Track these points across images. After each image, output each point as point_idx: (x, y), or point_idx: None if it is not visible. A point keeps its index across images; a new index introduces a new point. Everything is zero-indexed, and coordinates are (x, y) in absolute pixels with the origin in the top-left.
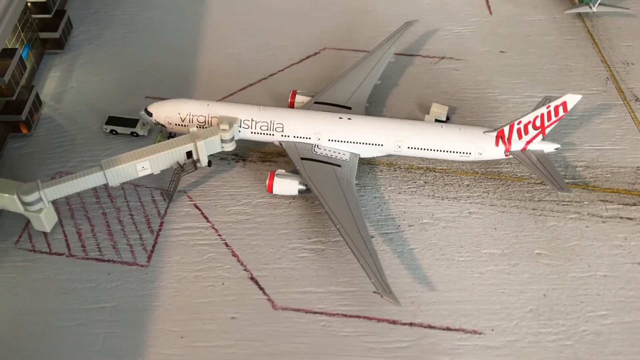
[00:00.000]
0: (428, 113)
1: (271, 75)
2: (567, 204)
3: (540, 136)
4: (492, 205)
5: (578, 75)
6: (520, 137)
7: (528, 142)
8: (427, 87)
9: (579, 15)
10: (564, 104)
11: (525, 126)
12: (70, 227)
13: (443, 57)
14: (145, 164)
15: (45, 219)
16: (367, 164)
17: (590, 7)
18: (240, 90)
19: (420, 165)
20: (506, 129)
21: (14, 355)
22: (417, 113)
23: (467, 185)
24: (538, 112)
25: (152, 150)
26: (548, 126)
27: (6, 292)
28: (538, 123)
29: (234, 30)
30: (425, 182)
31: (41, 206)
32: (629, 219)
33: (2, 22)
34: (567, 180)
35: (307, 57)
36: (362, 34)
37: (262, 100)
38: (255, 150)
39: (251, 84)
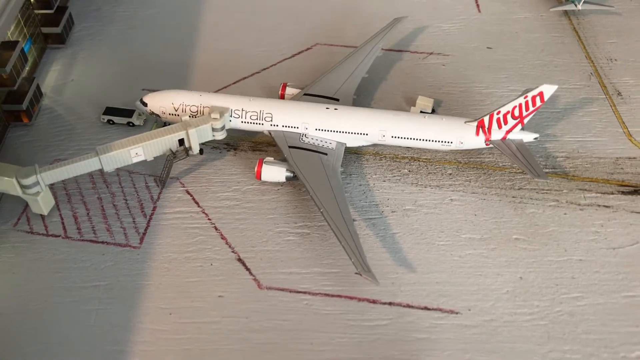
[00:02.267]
0: (414, 105)
1: (264, 69)
2: (546, 192)
3: (520, 126)
4: (474, 193)
5: (562, 70)
6: (500, 126)
7: (508, 132)
8: (415, 81)
9: (565, 13)
10: (541, 94)
11: (505, 116)
12: (66, 210)
13: (431, 53)
14: (138, 150)
15: (43, 202)
16: (353, 154)
17: (576, 5)
18: (233, 83)
19: (405, 155)
20: (486, 119)
21: (14, 328)
22: (404, 105)
23: (450, 174)
24: (516, 102)
25: (145, 138)
26: (526, 116)
27: (5, 271)
28: (517, 113)
29: (229, 27)
30: (409, 171)
31: (39, 189)
32: (606, 206)
33: (3, 15)
34: (547, 170)
35: (299, 53)
36: (353, 31)
37: (254, 92)
38: (247, 139)
39: (244, 77)
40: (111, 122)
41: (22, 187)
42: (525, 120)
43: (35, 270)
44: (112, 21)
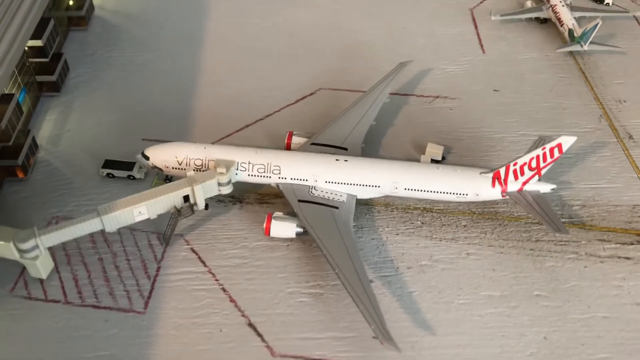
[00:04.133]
0: (424, 153)
1: (268, 115)
2: (565, 244)
3: (537, 177)
4: (490, 246)
5: (572, 113)
6: (516, 178)
7: (524, 183)
8: (423, 127)
9: (571, 53)
10: (559, 146)
11: (522, 167)
12: (66, 273)
13: (437, 97)
14: (142, 209)
15: (42, 266)
16: (364, 205)
17: (582, 46)
18: (237, 131)
19: (417, 206)
20: (502, 170)
21: None
22: (413, 153)
23: (465, 226)
24: (534, 154)
25: (149, 195)
26: (544, 167)
27: (1, 341)
28: (534, 164)
29: (230, 71)
30: (422, 223)
31: (37, 253)
32: (627, 258)
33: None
34: (563, 220)
35: (303, 98)
36: (357, 74)
37: (259, 141)
38: (253, 191)
39: (248, 125)
40: (111, 175)
41: (20, 251)
42: (543, 172)
43: (33, 340)
44: (107, 66)
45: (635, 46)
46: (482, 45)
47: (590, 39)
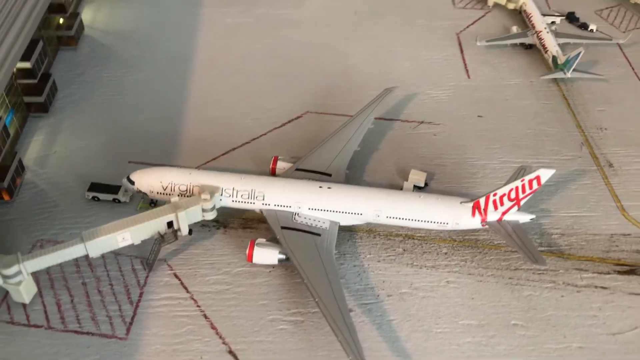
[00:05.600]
0: (407, 179)
1: (254, 139)
2: (542, 273)
3: (516, 207)
4: (470, 274)
5: (554, 140)
6: (496, 208)
7: (504, 213)
8: (406, 152)
9: (554, 79)
10: (538, 178)
11: (501, 198)
12: (49, 297)
13: (422, 122)
14: (126, 235)
15: (25, 291)
16: (347, 231)
17: (565, 73)
18: (223, 154)
19: (399, 232)
20: (482, 200)
21: None
22: (397, 178)
23: (445, 254)
24: (513, 185)
25: (133, 222)
26: (523, 198)
27: None
28: (513, 195)
29: (218, 93)
30: (404, 250)
31: (21, 279)
32: (604, 287)
33: None
34: (542, 248)
35: (290, 121)
36: (343, 98)
37: (244, 163)
38: (237, 216)
39: (234, 148)
40: (96, 198)
41: (3, 276)
42: (522, 202)
43: None
44: (96, 87)
45: (618, 73)
46: (467, 70)
47: (573, 67)
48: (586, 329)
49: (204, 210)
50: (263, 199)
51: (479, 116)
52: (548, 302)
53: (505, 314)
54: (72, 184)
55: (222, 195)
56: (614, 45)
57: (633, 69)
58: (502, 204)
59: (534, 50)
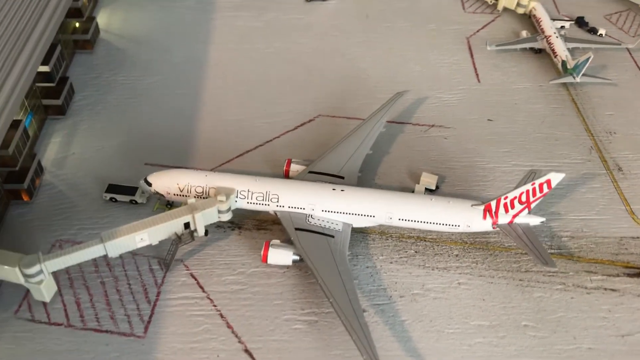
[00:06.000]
0: (418, 182)
1: (267, 141)
2: (552, 275)
3: (526, 210)
4: (481, 275)
5: (563, 144)
6: (507, 211)
7: (514, 216)
8: (418, 155)
9: (564, 83)
10: (548, 182)
11: (512, 201)
12: (69, 296)
13: (433, 125)
14: (144, 235)
15: (45, 289)
16: (359, 233)
17: (574, 77)
18: (237, 156)
19: (411, 234)
20: (493, 203)
21: None
22: (408, 181)
23: (457, 255)
24: (524, 189)
25: (151, 222)
26: (533, 201)
27: None
28: (524, 198)
29: (232, 97)
30: (416, 252)
31: (42, 278)
32: (613, 290)
33: (11, 100)
34: (552, 251)
35: (302, 124)
36: (355, 102)
37: (258, 166)
38: (251, 217)
39: (248, 151)
40: (114, 199)
41: (25, 276)
42: (532, 205)
43: None
44: (112, 90)
45: (627, 78)
46: (477, 74)
47: (582, 72)
48: (596, 330)
49: (219, 212)
50: (277, 201)
51: (488, 120)
52: (558, 303)
53: (516, 315)
54: (89, 185)
55: (237, 197)
56: (623, 50)
57: None
58: (512, 207)
59: (543, 54)
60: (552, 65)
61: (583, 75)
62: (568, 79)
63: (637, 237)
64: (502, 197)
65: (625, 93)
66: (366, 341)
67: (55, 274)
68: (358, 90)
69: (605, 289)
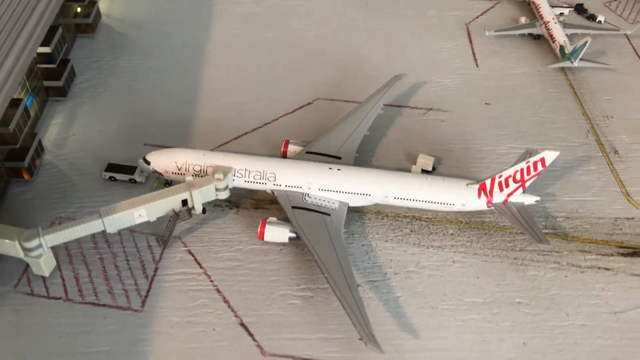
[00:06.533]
0: (415, 163)
1: (266, 124)
2: (547, 254)
3: (521, 189)
4: (475, 254)
5: (560, 127)
6: (501, 189)
7: (509, 195)
8: (415, 138)
9: (562, 68)
10: (542, 160)
11: (506, 180)
12: (68, 271)
13: (430, 109)
14: (142, 211)
15: (45, 264)
16: (355, 212)
17: (572, 62)
18: (236, 138)
19: (406, 214)
20: (488, 182)
21: None
22: (405, 163)
23: (452, 234)
24: (518, 167)
25: (149, 199)
26: (528, 180)
27: (5, 335)
28: (518, 177)
29: (231, 80)
30: (411, 231)
31: (41, 252)
32: (607, 269)
33: (10, 77)
34: (547, 231)
35: (301, 107)
36: (354, 85)
37: (256, 148)
38: (249, 197)
39: (246, 133)
40: (113, 178)
41: (25, 249)
42: (527, 184)
43: (36, 335)
44: (113, 73)
45: (625, 63)
46: (475, 60)
47: (580, 56)
48: (589, 308)
49: (217, 190)
50: (274, 180)
51: (486, 104)
52: (552, 282)
53: (510, 293)
54: (89, 165)
55: (234, 175)
56: (622, 36)
57: None
58: (507, 185)
59: (542, 40)
60: (550, 50)
61: (581, 59)
62: (566, 64)
63: (632, 218)
64: (497, 176)
65: (624, 78)
66: (360, 315)
67: (54, 250)
68: (357, 75)
69: (599, 267)
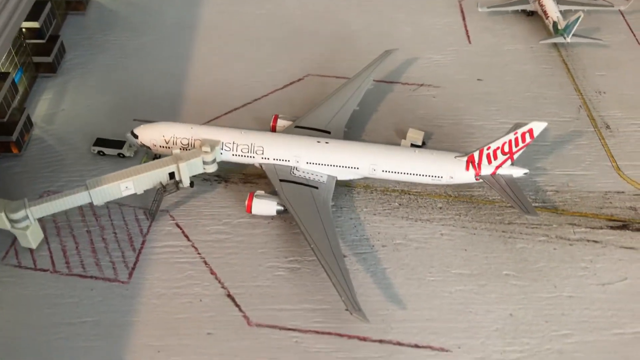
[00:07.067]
0: (404, 138)
1: (255, 100)
2: (536, 227)
3: (509, 161)
4: (464, 227)
5: (552, 103)
6: (489, 162)
7: (497, 167)
8: (405, 113)
9: (555, 45)
10: (530, 131)
11: (495, 152)
12: (55, 244)
13: (422, 85)
14: (128, 184)
15: (32, 236)
16: (344, 186)
17: (565, 38)
18: (225, 114)
19: (395, 188)
20: (476, 154)
21: None
22: (395, 138)
23: (440, 208)
24: (506, 138)
25: (136, 171)
26: (516, 152)
27: None
28: (507, 149)
29: (221, 57)
30: (399, 204)
31: (27, 224)
32: (596, 242)
33: None
34: (536, 204)
35: (291, 83)
36: (345, 62)
37: (245, 123)
38: (237, 171)
39: (236, 108)
40: (102, 153)
41: (11, 221)
42: (515, 156)
43: (22, 306)
44: (103, 50)
45: (619, 39)
46: (468, 36)
47: (572, 32)
48: (577, 279)
49: (204, 163)
50: (262, 153)
51: (478, 79)
52: (540, 254)
53: (498, 265)
54: (78, 140)
55: (222, 149)
56: (616, 12)
57: (634, 35)
58: (495, 157)
59: (535, 17)
60: (543, 27)
61: (574, 35)
62: (558, 39)
63: (622, 192)
64: (485, 148)
65: (617, 54)
66: (345, 284)
67: (42, 223)
68: (348, 51)
69: (588, 240)
